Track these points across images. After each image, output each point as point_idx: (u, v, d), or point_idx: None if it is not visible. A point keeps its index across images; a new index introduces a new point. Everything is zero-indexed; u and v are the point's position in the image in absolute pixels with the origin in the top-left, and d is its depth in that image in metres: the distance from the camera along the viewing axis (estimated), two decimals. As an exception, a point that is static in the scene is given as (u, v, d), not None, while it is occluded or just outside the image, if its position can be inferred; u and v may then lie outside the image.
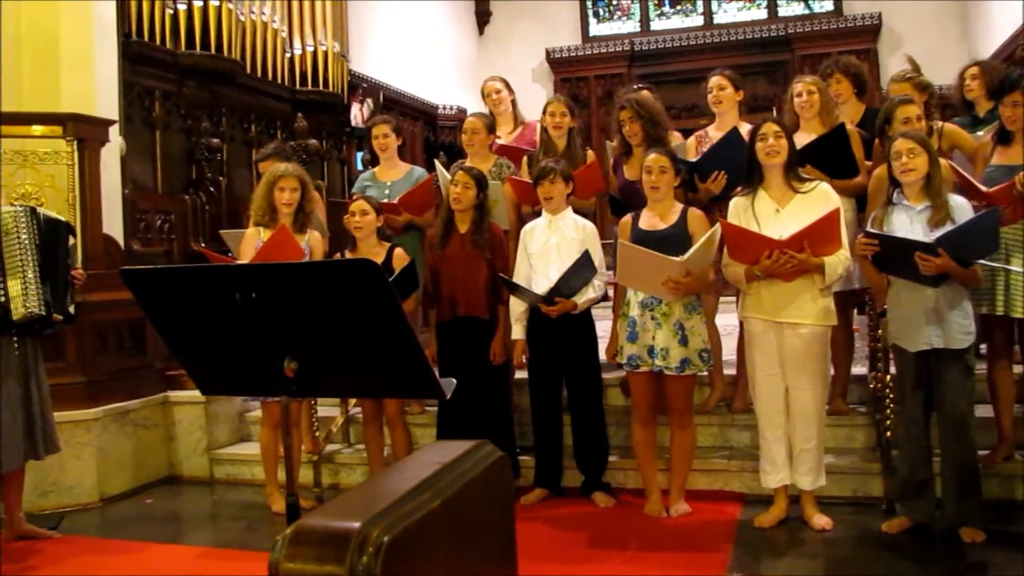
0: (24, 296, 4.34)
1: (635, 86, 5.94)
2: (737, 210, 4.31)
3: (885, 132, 4.46)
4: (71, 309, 4.60)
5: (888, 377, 4.55)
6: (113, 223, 6.23)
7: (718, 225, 4.31)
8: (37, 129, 5.73)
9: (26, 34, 6.20)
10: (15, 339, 4.41)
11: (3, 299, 4.32)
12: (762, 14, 13.20)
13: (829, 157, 4.58)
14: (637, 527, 4.47)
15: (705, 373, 4.87)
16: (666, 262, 4.22)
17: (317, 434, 5.50)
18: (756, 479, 4.55)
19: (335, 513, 1.62)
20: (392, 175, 5.66)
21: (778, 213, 4.20)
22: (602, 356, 4.87)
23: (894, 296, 4.14)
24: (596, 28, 13.82)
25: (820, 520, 4.27)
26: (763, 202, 4.25)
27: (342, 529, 1.54)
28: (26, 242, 4.40)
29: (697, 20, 13.49)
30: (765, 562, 3.99)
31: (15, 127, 5.68)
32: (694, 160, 5.00)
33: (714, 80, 5.17)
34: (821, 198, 4.18)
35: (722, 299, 5.36)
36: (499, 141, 5.79)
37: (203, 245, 7.13)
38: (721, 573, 3.84)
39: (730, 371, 5.33)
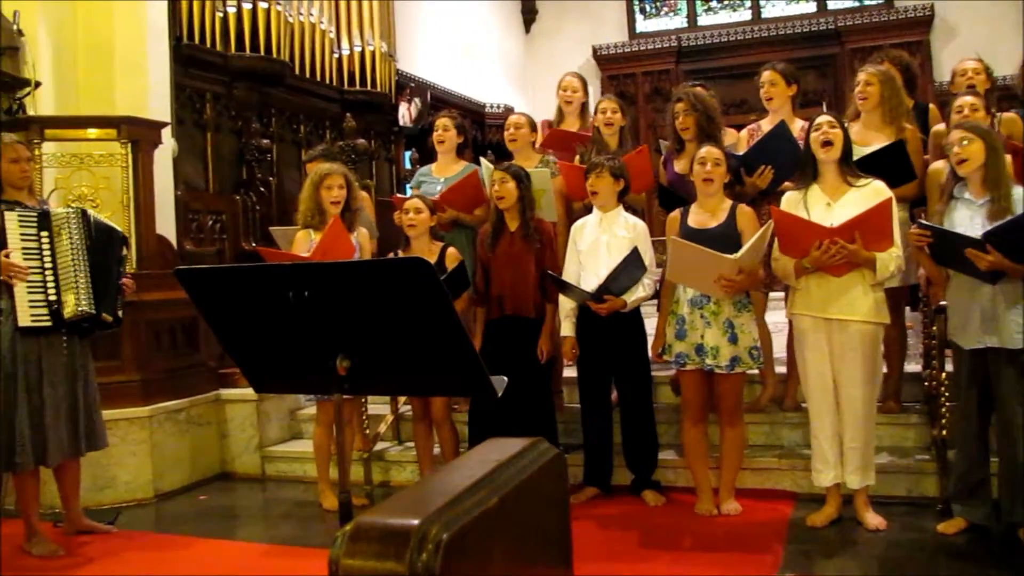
0: (76, 296, 4.42)
1: (690, 83, 5.89)
2: (789, 204, 4.26)
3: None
4: (120, 313, 4.67)
5: (943, 375, 4.47)
6: (166, 223, 6.33)
7: (770, 222, 4.27)
8: (92, 132, 5.84)
9: (82, 40, 6.33)
10: (64, 338, 4.48)
11: (54, 298, 4.40)
12: (811, 7, 13.04)
13: (888, 168, 4.49)
14: (688, 526, 4.44)
15: (756, 371, 4.82)
16: (720, 259, 4.18)
17: (367, 432, 5.54)
18: (807, 478, 4.49)
19: (394, 510, 1.62)
20: (448, 171, 5.66)
21: (829, 206, 4.15)
22: (650, 353, 4.85)
23: (952, 290, 4.07)
24: (643, 24, 13.74)
25: (874, 520, 4.20)
26: (815, 196, 4.20)
27: (401, 526, 1.54)
28: (77, 243, 4.47)
29: (745, 15, 13.37)
30: (817, 562, 3.92)
31: (71, 130, 5.82)
32: (741, 154, 4.95)
33: (766, 75, 5.11)
34: (874, 194, 4.11)
35: (771, 296, 5.30)
36: None
37: (254, 245, 7.21)
38: (773, 573, 3.80)
39: (781, 369, 5.27)
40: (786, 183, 4.71)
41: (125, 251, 4.82)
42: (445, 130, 5.63)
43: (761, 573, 3.81)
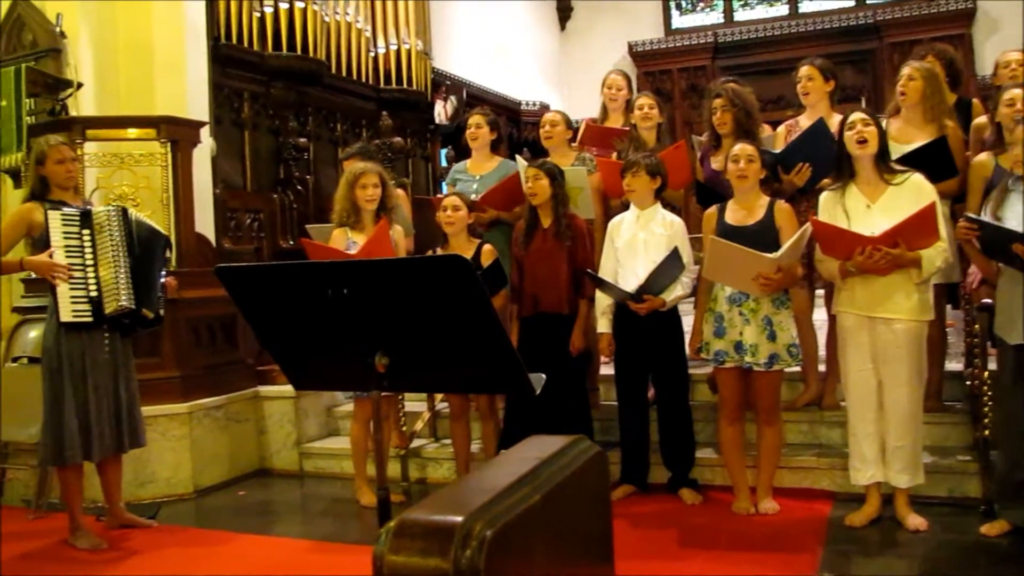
0: (116, 291, 4.48)
1: (725, 79, 5.86)
2: (827, 205, 4.21)
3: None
4: (161, 311, 4.72)
5: (986, 373, 4.41)
6: (205, 222, 6.39)
7: (809, 223, 4.23)
8: (132, 132, 5.91)
9: (122, 41, 6.41)
10: (106, 335, 4.54)
11: (95, 293, 4.46)
12: (849, 2, 12.88)
13: (930, 164, 4.43)
14: (725, 525, 4.41)
15: (798, 368, 4.78)
16: (759, 258, 4.16)
17: (404, 429, 5.57)
18: (846, 477, 4.44)
19: (438, 507, 1.63)
20: (483, 168, 5.68)
21: (869, 209, 4.10)
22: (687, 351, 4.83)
23: (1002, 283, 4.00)
24: (679, 20, 13.66)
25: (914, 520, 4.15)
26: (853, 197, 4.15)
27: (445, 523, 1.55)
28: (118, 240, 4.53)
29: (782, 9, 13.24)
30: (857, 562, 3.89)
31: (112, 130, 5.89)
32: (778, 151, 4.91)
33: (803, 70, 5.06)
34: (914, 190, 4.05)
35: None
36: None
37: (292, 242, 7.27)
38: (811, 573, 3.76)
39: (820, 367, 5.22)
40: (824, 180, 4.66)
41: (168, 253, 4.88)
42: (478, 127, 5.64)
43: (799, 574, 3.78)
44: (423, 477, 5.60)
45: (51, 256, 4.36)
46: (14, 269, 4.63)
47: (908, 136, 4.60)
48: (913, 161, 4.35)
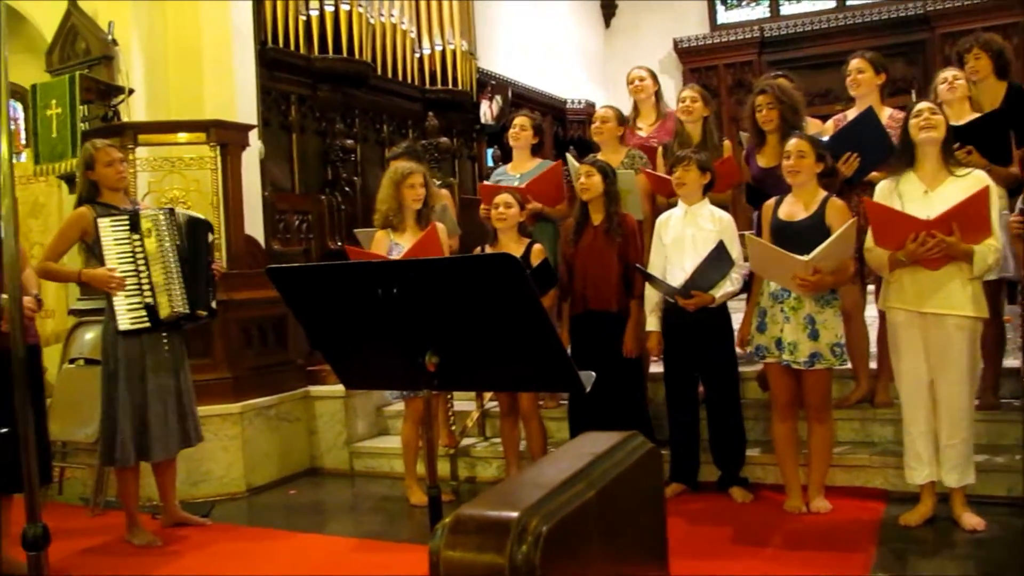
0: (170, 296, 4.55)
1: (773, 73, 5.80)
2: (882, 192, 4.14)
3: None
4: (213, 304, 4.79)
5: (1044, 370, 4.33)
6: (254, 224, 6.47)
7: (851, 221, 4.17)
8: (182, 136, 6.00)
9: (171, 47, 6.51)
10: (163, 335, 4.61)
11: (150, 300, 4.53)
12: (899, -7, 12.70)
13: (985, 141, 4.35)
14: (776, 523, 4.37)
15: (848, 366, 4.71)
16: (792, 260, 4.11)
17: (453, 428, 5.59)
18: (900, 475, 4.36)
19: (494, 502, 1.63)
20: (523, 168, 5.72)
21: (926, 194, 4.02)
22: (739, 350, 4.79)
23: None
24: (724, 16, 13.55)
25: (971, 520, 4.07)
26: (911, 184, 4.07)
27: (501, 518, 1.55)
28: (167, 243, 4.59)
29: (829, 2, 13.06)
30: (911, 563, 3.82)
31: (163, 135, 5.98)
32: (825, 139, 4.83)
33: (853, 63, 4.99)
34: (975, 183, 3.96)
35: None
36: (640, 133, 5.75)
37: (340, 244, 7.32)
38: (865, 573, 3.70)
39: (872, 364, 5.15)
40: (873, 173, 4.60)
41: (211, 236, 4.91)
42: (522, 128, 5.68)
43: (852, 574, 3.72)
44: (472, 476, 5.62)
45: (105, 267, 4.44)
46: (71, 279, 4.72)
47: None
48: (973, 132, 4.28)
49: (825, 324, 4.31)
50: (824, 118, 5.35)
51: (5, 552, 4.16)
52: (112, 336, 4.52)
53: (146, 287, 4.53)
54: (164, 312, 4.54)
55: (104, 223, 4.47)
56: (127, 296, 4.49)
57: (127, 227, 4.52)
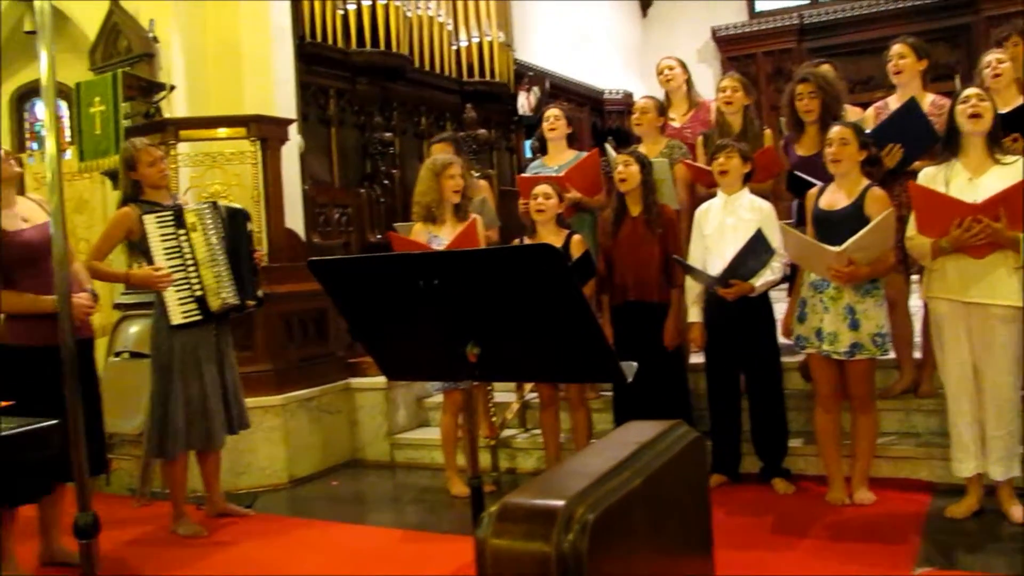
0: (219, 287, 4.61)
1: (815, 61, 5.73)
2: (927, 179, 4.05)
3: None
4: (260, 293, 4.84)
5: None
6: (294, 218, 6.52)
7: (888, 211, 4.12)
8: (223, 131, 6.06)
9: (211, 44, 6.58)
10: (213, 328, 4.67)
11: (200, 292, 4.59)
12: (942, -24, 12.48)
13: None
14: (819, 515, 4.32)
15: (892, 355, 4.66)
16: (825, 251, 4.07)
17: (494, 419, 5.60)
18: (946, 467, 4.31)
19: (540, 491, 1.63)
20: (559, 160, 5.70)
21: (972, 181, 3.94)
22: (781, 341, 4.75)
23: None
24: (762, 3, 13.40)
25: (1019, 512, 4.00)
26: (956, 171, 3.99)
27: (548, 507, 1.56)
28: (213, 236, 4.64)
29: (870, -12, 12.91)
30: (958, 556, 3.75)
31: (204, 130, 6.04)
32: (868, 131, 4.78)
33: (895, 48, 4.91)
34: (1022, 172, 3.88)
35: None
36: (673, 124, 5.72)
37: (379, 237, 7.36)
38: (910, 566, 3.66)
39: (916, 354, 5.09)
40: (916, 163, 4.54)
41: (249, 225, 4.95)
42: (556, 119, 5.68)
43: (897, 566, 3.67)
44: (513, 467, 5.63)
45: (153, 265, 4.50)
46: (119, 280, 4.77)
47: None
48: (1015, 122, 4.21)
49: (866, 314, 4.26)
50: (865, 105, 5.27)
51: (56, 541, 4.25)
52: (164, 331, 4.58)
53: (195, 281, 4.58)
54: (214, 304, 4.60)
55: (150, 221, 4.53)
56: (177, 291, 4.55)
57: (172, 223, 4.57)
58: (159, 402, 4.59)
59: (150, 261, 4.53)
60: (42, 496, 3.63)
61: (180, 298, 4.55)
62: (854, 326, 4.24)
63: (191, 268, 4.58)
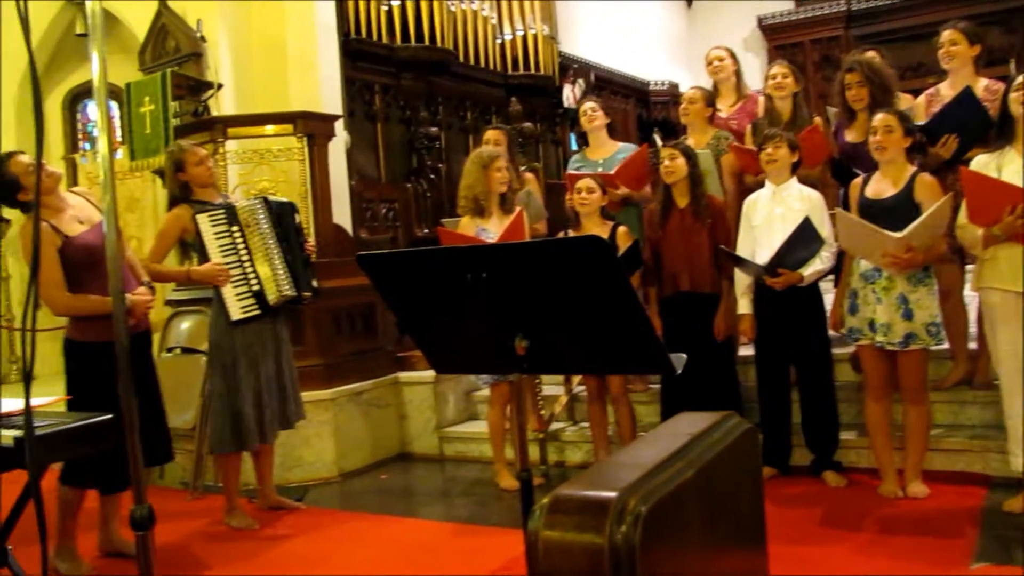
0: (275, 280, 4.66)
1: (863, 48, 5.66)
2: (979, 167, 3.97)
3: None
4: (315, 283, 4.89)
5: None
6: (342, 213, 6.57)
7: (946, 197, 4.04)
8: (270, 128, 6.11)
9: (257, 42, 6.65)
10: (270, 321, 4.73)
11: (257, 287, 4.64)
12: (995, -42, 12.21)
13: None
14: (871, 509, 4.27)
15: (945, 346, 4.58)
16: (884, 236, 4.00)
17: (542, 412, 5.60)
18: (1002, 460, 4.22)
19: (592, 482, 1.63)
20: (602, 153, 5.70)
21: (1027, 169, 3.87)
22: (832, 332, 4.69)
23: None
24: (809, -10, 13.24)
25: (1078, 507, 3.92)
26: (1010, 158, 3.91)
27: (600, 498, 1.55)
28: (267, 231, 4.69)
29: (920, -28, 12.67)
30: (1016, 551, 3.66)
31: (251, 128, 6.10)
32: (923, 123, 4.70)
33: (946, 34, 4.81)
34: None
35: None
36: (720, 114, 5.68)
37: (426, 231, 7.39)
38: (966, 561, 3.58)
39: (972, 344, 4.99)
40: (970, 152, 4.45)
41: (298, 217, 4.98)
42: (593, 111, 5.71)
43: (953, 562, 3.60)
44: (561, 460, 5.62)
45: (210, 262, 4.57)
46: (180, 279, 4.83)
47: None
48: None
49: (919, 303, 4.18)
50: (916, 92, 5.18)
51: (116, 532, 4.34)
52: (225, 327, 4.63)
53: (251, 275, 4.64)
54: (272, 297, 4.65)
55: (203, 220, 4.58)
56: (234, 287, 4.60)
57: (225, 221, 4.62)
58: (225, 398, 4.64)
59: (206, 259, 4.59)
60: (127, 487, 3.74)
61: (238, 294, 4.61)
62: (907, 316, 4.18)
63: (247, 263, 4.63)
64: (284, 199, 5.00)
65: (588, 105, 5.76)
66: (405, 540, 4.50)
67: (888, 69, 4.89)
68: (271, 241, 4.68)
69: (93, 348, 4.00)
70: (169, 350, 5.78)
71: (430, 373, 5.98)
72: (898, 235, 3.98)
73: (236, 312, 4.59)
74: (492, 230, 4.95)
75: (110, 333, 3.85)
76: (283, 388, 4.77)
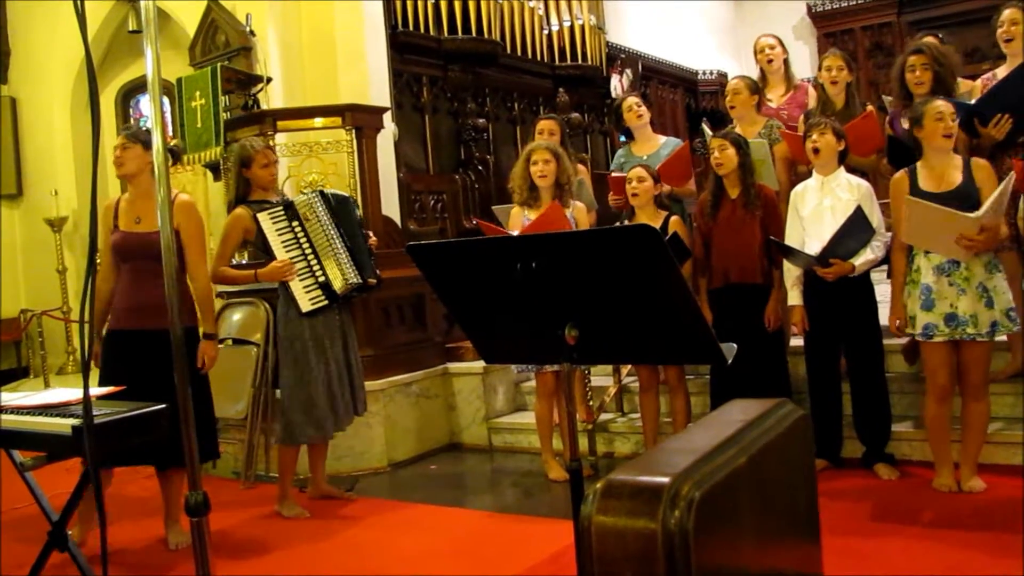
0: (340, 270, 4.71)
1: (923, 34, 5.56)
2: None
3: None
4: (377, 272, 4.94)
5: None
6: (390, 205, 6.60)
7: (1011, 175, 3.96)
8: (319, 121, 6.16)
9: (306, 36, 6.71)
10: (336, 310, 4.79)
11: (323, 278, 4.69)
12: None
13: None
14: (925, 502, 4.20)
15: (1003, 338, 4.47)
16: (961, 219, 3.91)
17: (591, 403, 5.59)
18: (1062, 453, 4.16)
19: (645, 468, 1.62)
20: (647, 148, 5.67)
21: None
22: (883, 323, 4.62)
23: None
24: (860, -24, 13.03)
25: None
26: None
27: (653, 484, 1.54)
28: (326, 222, 4.74)
29: (974, -45, 12.42)
30: (1075, 545, 3.62)
31: (300, 120, 6.16)
32: (973, 103, 4.59)
33: (1006, 14, 4.69)
34: None
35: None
36: (770, 104, 5.61)
37: (475, 223, 7.39)
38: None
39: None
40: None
41: (359, 211, 5.04)
42: (638, 106, 5.68)
43: (1010, 556, 3.52)
44: (610, 451, 5.61)
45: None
46: (248, 280, 4.90)
47: None
48: None
49: (996, 290, 4.10)
50: (971, 78, 5.08)
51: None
52: (295, 320, 4.70)
53: (316, 267, 4.70)
54: (339, 286, 4.71)
55: (264, 218, 4.65)
56: (301, 280, 4.67)
57: (284, 216, 4.68)
58: (298, 389, 4.70)
59: (271, 257, 4.65)
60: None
61: (305, 286, 4.67)
62: (989, 304, 4.09)
63: (311, 256, 4.69)
64: (341, 192, 5.05)
65: (632, 100, 5.72)
66: (454, 530, 4.53)
67: (955, 56, 4.79)
68: (332, 231, 4.73)
69: (121, 336, 4.19)
70: (220, 341, 5.85)
71: (479, 364, 5.99)
72: (975, 215, 3.90)
73: (305, 304, 4.65)
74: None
75: (137, 321, 4.12)
76: (352, 378, 4.85)
